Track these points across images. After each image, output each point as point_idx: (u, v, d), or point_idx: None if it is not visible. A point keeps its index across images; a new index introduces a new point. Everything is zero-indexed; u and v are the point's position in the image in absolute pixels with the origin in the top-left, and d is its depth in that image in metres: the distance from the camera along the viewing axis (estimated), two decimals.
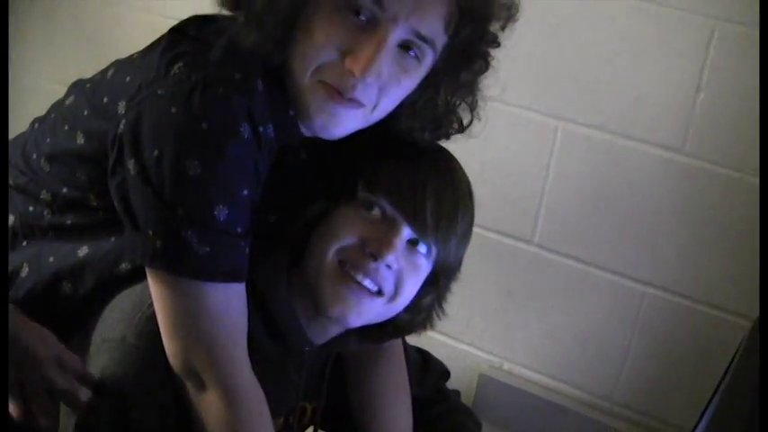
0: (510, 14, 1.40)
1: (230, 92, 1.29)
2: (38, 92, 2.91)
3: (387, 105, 1.38)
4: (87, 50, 3.03)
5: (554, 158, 2.36)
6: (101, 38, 3.01)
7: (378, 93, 1.34)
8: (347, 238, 1.40)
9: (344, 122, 1.37)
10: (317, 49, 1.31)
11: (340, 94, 1.33)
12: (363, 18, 1.30)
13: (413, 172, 1.42)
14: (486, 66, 1.45)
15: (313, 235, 1.43)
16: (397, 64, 1.34)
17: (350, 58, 1.30)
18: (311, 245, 1.43)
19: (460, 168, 1.50)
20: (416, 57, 1.35)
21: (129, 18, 2.94)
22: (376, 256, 1.38)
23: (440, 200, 1.41)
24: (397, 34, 1.31)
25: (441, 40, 1.35)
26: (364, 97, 1.34)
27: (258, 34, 1.32)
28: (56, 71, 3.03)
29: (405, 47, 1.33)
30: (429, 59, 1.37)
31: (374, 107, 1.37)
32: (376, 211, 1.40)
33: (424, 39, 1.33)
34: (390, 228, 1.39)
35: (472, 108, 1.50)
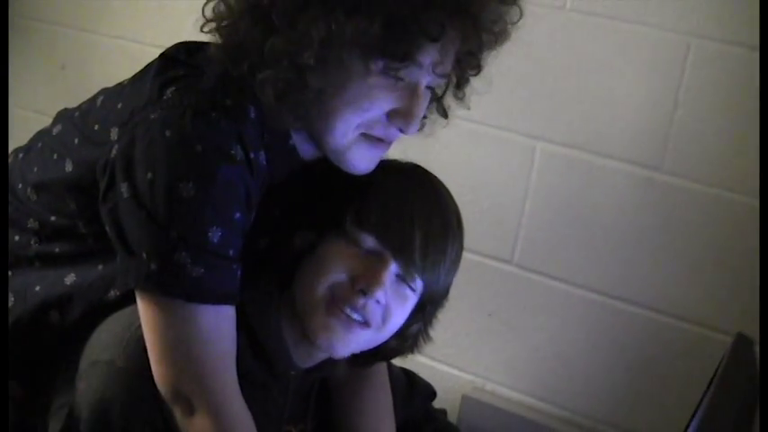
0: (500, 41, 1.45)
1: (221, 116, 1.30)
2: (12, 120, 2.89)
3: None
4: (62, 78, 3.02)
5: (533, 178, 2.36)
6: (76, 65, 3.00)
7: None
8: (337, 274, 1.41)
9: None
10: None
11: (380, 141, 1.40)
12: None
13: (400, 203, 1.43)
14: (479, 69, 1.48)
15: (302, 264, 1.44)
16: None
17: None
18: (300, 275, 1.44)
19: (448, 194, 1.51)
20: None
21: (105, 45, 2.93)
22: (365, 292, 1.39)
23: (428, 233, 1.43)
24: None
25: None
26: None
27: (289, 108, 1.35)
28: (30, 99, 3.01)
29: None
30: None
31: None
32: (365, 246, 1.41)
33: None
34: (379, 262, 1.41)
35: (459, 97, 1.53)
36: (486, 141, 2.38)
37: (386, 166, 1.47)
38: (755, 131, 2.06)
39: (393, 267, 1.41)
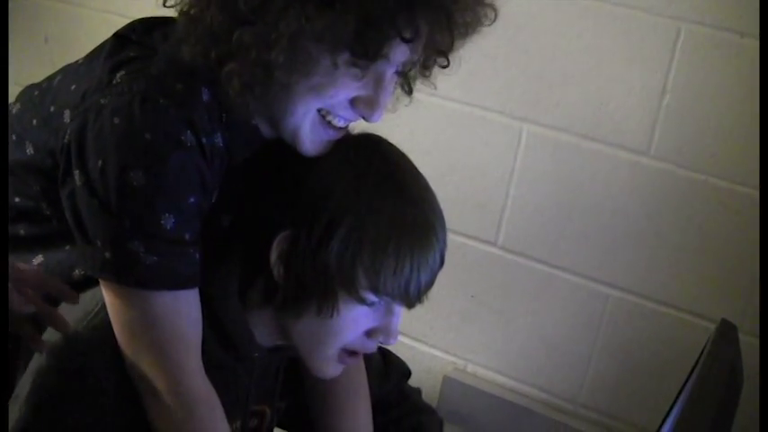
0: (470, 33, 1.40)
1: (170, 103, 1.27)
2: None
3: None
4: (46, 51, 3.00)
5: (519, 160, 2.35)
6: (60, 38, 2.98)
7: None
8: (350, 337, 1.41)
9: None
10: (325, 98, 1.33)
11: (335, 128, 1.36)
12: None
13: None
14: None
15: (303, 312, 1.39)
16: None
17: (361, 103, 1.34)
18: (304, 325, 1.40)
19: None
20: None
21: (90, 18, 2.91)
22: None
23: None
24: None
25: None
26: None
27: (253, 97, 1.31)
28: (12, 72, 2.99)
29: None
30: None
31: None
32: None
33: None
34: (389, 313, 1.41)
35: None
36: (472, 122, 2.38)
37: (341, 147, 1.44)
38: (744, 118, 2.07)
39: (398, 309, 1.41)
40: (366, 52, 1.26)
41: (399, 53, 1.29)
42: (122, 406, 1.36)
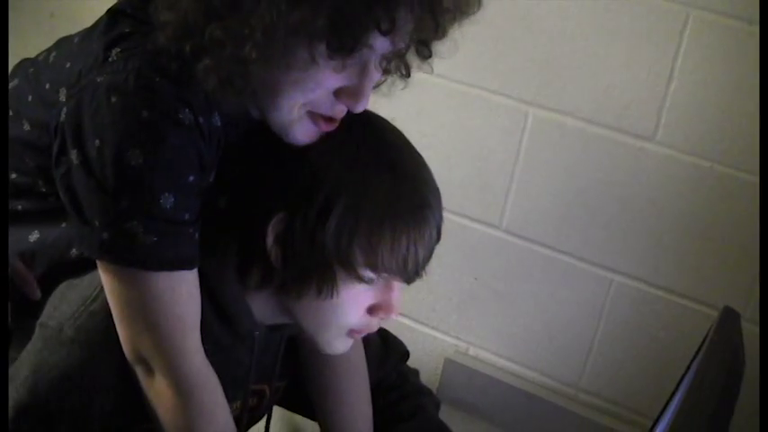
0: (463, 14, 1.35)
1: (167, 81, 1.25)
2: None
3: None
4: (51, 26, 2.99)
5: (524, 144, 2.34)
6: (65, 13, 2.97)
7: None
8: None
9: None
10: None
11: (325, 120, 1.34)
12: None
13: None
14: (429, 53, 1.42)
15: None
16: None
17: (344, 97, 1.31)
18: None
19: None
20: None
21: None
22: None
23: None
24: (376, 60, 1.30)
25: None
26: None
27: (233, 93, 1.27)
28: (18, 47, 2.98)
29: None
30: None
31: None
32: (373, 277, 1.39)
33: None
34: (388, 289, 1.41)
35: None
36: (478, 105, 2.37)
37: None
38: (750, 105, 2.06)
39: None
40: (342, 46, 1.22)
41: (380, 44, 1.25)
42: (120, 390, 1.37)
